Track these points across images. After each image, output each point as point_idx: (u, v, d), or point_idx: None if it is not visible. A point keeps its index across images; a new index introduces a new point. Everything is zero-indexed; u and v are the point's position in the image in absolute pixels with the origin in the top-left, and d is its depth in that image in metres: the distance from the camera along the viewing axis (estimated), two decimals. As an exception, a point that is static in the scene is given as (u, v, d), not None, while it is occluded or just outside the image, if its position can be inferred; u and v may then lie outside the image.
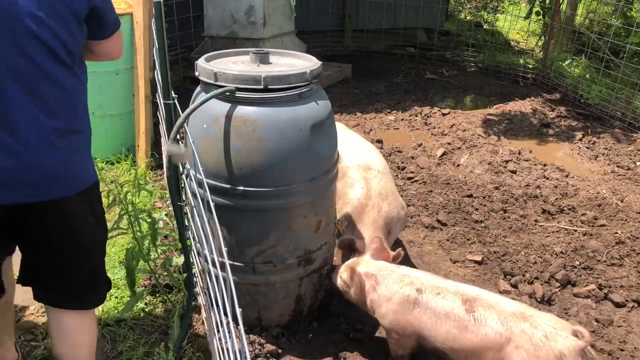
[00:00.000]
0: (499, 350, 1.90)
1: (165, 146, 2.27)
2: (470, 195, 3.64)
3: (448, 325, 2.00)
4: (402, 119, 5.06)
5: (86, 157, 1.65)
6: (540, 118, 5.17)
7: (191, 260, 2.41)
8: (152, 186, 3.49)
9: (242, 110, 2.00)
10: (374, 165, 2.79)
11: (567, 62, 6.21)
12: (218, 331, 1.60)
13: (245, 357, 1.14)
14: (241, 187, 2.05)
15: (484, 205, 3.54)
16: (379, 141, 4.44)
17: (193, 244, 2.28)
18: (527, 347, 1.84)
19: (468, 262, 3.02)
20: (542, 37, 6.96)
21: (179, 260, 2.52)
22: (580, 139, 4.72)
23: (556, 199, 3.62)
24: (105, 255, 1.84)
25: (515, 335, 1.87)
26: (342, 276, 2.33)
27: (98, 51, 1.72)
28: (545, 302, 2.72)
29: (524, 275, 2.86)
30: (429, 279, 2.15)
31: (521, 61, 6.78)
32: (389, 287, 2.15)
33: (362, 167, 2.74)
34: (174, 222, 2.68)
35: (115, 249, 2.89)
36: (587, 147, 4.60)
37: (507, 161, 4.18)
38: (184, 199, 2.29)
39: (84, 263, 1.71)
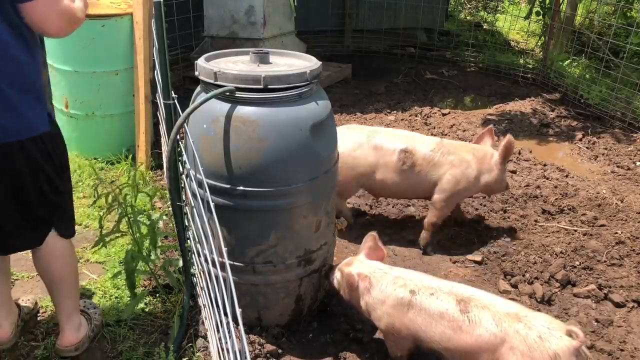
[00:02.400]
0: (493, 352, 1.89)
1: (165, 146, 2.27)
2: (471, 196, 3.64)
3: (442, 326, 1.99)
4: (402, 119, 5.06)
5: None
6: (540, 118, 5.17)
7: (191, 261, 2.41)
8: (152, 186, 3.49)
9: (242, 110, 2.00)
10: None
11: (567, 62, 6.21)
12: (218, 331, 1.60)
13: (245, 357, 1.14)
14: (241, 187, 2.05)
15: (484, 205, 3.54)
16: None
17: (193, 244, 2.28)
18: (522, 348, 1.83)
19: (468, 262, 3.02)
20: (542, 37, 6.96)
21: (178, 261, 2.52)
22: (580, 139, 4.72)
23: (556, 199, 3.62)
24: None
25: (509, 336, 1.86)
26: (336, 277, 2.33)
27: (30, 20, 1.64)
28: (545, 302, 2.72)
29: (524, 276, 2.86)
30: (422, 280, 2.13)
31: (521, 61, 6.78)
32: (383, 290, 2.13)
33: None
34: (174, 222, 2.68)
35: (115, 250, 2.89)
36: (587, 147, 4.60)
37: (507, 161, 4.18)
38: (184, 199, 2.29)
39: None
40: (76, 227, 3.09)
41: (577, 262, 2.96)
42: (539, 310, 2.65)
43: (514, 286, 2.82)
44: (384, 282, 2.15)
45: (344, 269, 2.25)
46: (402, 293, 2.08)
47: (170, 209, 3.01)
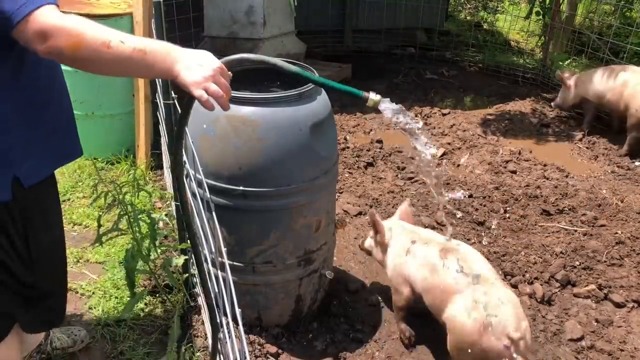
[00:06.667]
0: (449, 300, 2.05)
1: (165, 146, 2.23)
2: (471, 196, 3.64)
3: (424, 270, 2.20)
4: (402, 119, 5.05)
5: None
6: (540, 118, 5.17)
7: (191, 261, 2.41)
8: (152, 186, 3.49)
9: (242, 110, 2.00)
10: None
11: (567, 62, 6.20)
12: (218, 331, 1.60)
13: (245, 357, 1.14)
14: (241, 187, 2.05)
15: (484, 206, 3.54)
16: (379, 141, 4.43)
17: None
18: (467, 304, 1.97)
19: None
20: (542, 37, 6.96)
21: (178, 260, 2.52)
22: (580, 139, 4.71)
23: (556, 199, 3.62)
24: None
25: (466, 291, 2.00)
26: (369, 235, 2.58)
27: (23, 43, 1.35)
28: (545, 302, 2.71)
29: (524, 276, 2.86)
30: (427, 234, 2.42)
31: (521, 61, 6.77)
32: (396, 241, 2.41)
33: None
34: (174, 222, 2.68)
35: (115, 249, 2.89)
36: (587, 147, 4.60)
37: (507, 161, 4.18)
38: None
39: None
40: (76, 227, 3.11)
41: (577, 262, 2.96)
42: (538, 310, 2.66)
43: (514, 286, 2.82)
44: (400, 235, 2.41)
45: (377, 219, 2.46)
46: (406, 243, 2.34)
47: (170, 209, 3.01)
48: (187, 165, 2.04)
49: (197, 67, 1.33)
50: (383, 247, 2.47)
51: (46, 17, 1.31)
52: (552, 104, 5.25)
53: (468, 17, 8.47)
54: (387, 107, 1.60)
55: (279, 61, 1.51)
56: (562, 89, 4.96)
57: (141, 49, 1.32)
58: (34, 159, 1.55)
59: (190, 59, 1.34)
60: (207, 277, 1.71)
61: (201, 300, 2.26)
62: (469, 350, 1.93)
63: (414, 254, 2.28)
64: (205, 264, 1.77)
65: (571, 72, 4.95)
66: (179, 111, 2.02)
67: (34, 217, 1.61)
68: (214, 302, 1.74)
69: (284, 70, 1.50)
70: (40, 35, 1.30)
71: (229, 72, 1.40)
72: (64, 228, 1.88)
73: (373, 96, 1.62)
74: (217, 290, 1.48)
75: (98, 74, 1.42)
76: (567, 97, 4.92)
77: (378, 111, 1.62)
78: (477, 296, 1.96)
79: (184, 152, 2.07)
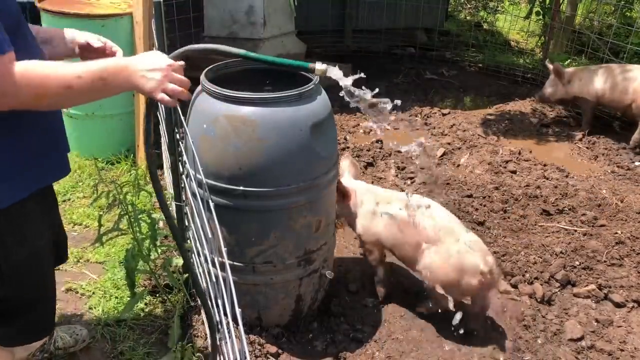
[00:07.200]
0: (423, 250, 2.34)
1: (165, 146, 2.23)
2: (470, 196, 3.64)
3: (393, 228, 2.43)
4: (402, 119, 5.06)
5: None
6: (540, 118, 5.17)
7: (191, 261, 2.41)
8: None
9: (242, 110, 2.00)
10: None
11: (567, 62, 6.20)
12: (218, 331, 1.60)
13: (245, 357, 1.14)
14: (241, 187, 2.05)
15: (484, 206, 3.54)
16: (379, 141, 4.43)
17: (193, 244, 2.28)
18: (442, 252, 2.30)
19: (468, 262, 3.02)
20: (542, 37, 6.96)
21: (179, 260, 2.52)
22: (580, 139, 4.71)
23: (556, 199, 3.62)
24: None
25: (439, 241, 2.31)
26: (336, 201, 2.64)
27: None
28: (545, 302, 2.72)
29: (524, 276, 2.86)
30: (386, 193, 2.61)
31: (521, 61, 6.77)
32: (362, 202, 2.56)
33: None
34: (174, 222, 2.68)
35: (115, 249, 2.89)
36: (587, 147, 4.60)
37: (507, 161, 4.18)
38: (183, 199, 2.29)
39: None
40: (76, 227, 3.12)
41: (577, 262, 2.96)
42: (538, 310, 2.66)
43: (514, 286, 2.82)
44: (364, 196, 2.56)
45: (344, 186, 2.56)
46: (371, 205, 2.52)
47: (170, 209, 3.01)
48: (187, 165, 2.04)
49: (149, 73, 1.41)
50: (352, 211, 2.59)
51: (4, 71, 1.24)
52: (536, 95, 5.15)
53: (468, 17, 8.46)
54: (336, 74, 1.69)
55: (222, 47, 1.59)
56: (553, 81, 4.85)
57: (100, 77, 1.36)
58: (7, 183, 1.49)
59: (142, 66, 1.41)
60: (200, 279, 1.71)
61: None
62: (454, 293, 2.33)
63: (380, 214, 2.48)
64: (205, 264, 1.77)
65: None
66: (179, 111, 2.02)
67: (5, 236, 1.54)
68: (208, 303, 1.75)
69: (229, 53, 1.57)
70: None
71: (181, 63, 1.49)
72: (64, 228, 1.88)
73: (319, 66, 1.70)
74: (217, 290, 1.48)
75: (64, 108, 1.43)
76: (557, 90, 4.84)
77: (378, 111, 1.64)
78: (449, 246, 2.29)
79: (184, 152, 2.08)
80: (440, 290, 2.33)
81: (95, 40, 1.77)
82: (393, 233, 2.44)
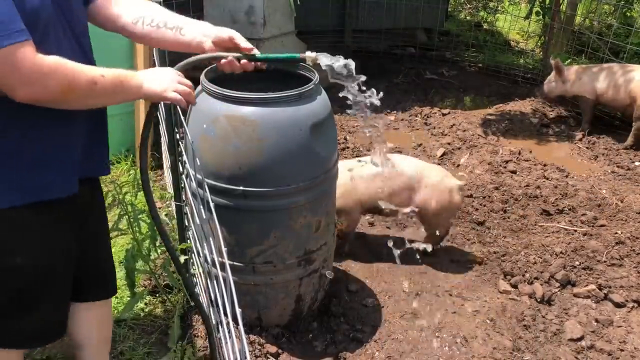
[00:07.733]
0: (414, 189, 2.80)
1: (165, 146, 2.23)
2: (470, 196, 3.64)
3: (377, 183, 2.77)
4: (402, 119, 5.06)
5: None
6: (540, 118, 5.17)
7: (191, 261, 2.41)
8: (152, 186, 3.49)
9: (242, 110, 2.00)
10: None
11: (567, 62, 6.20)
12: (218, 331, 1.60)
13: (246, 357, 1.14)
14: (241, 187, 2.05)
15: (484, 206, 3.54)
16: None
17: (193, 244, 2.28)
18: (431, 184, 2.81)
19: (468, 262, 3.02)
20: (542, 37, 6.96)
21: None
22: (580, 139, 4.71)
23: (556, 199, 3.62)
24: None
25: (423, 177, 2.82)
26: None
27: None
28: (545, 302, 2.71)
29: (524, 276, 2.86)
30: (351, 161, 2.93)
31: (521, 61, 6.77)
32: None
33: None
34: (174, 222, 2.68)
35: (115, 249, 2.89)
36: (587, 147, 4.60)
37: (507, 161, 4.18)
38: (183, 199, 2.29)
39: None
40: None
41: (577, 262, 2.96)
42: (538, 310, 2.66)
43: (514, 286, 2.82)
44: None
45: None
46: (345, 173, 2.72)
47: (170, 209, 3.01)
48: (187, 165, 2.04)
49: (159, 79, 1.52)
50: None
51: (27, 59, 1.23)
52: (537, 91, 5.18)
53: (468, 17, 8.46)
54: (325, 61, 1.71)
55: (212, 54, 1.70)
56: (554, 78, 4.85)
57: (119, 79, 1.45)
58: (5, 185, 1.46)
59: (151, 75, 1.53)
60: (198, 279, 1.71)
61: (201, 300, 2.26)
62: (447, 213, 2.89)
63: (359, 177, 2.79)
64: (205, 264, 1.77)
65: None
66: (179, 111, 2.02)
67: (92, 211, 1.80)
68: (203, 305, 1.75)
69: (220, 58, 1.69)
70: (19, 79, 1.23)
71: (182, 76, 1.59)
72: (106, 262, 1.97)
73: (310, 54, 1.72)
74: (217, 290, 1.48)
75: (76, 109, 1.47)
76: (557, 87, 4.85)
77: (378, 111, 1.66)
78: (439, 178, 2.84)
79: (184, 152, 2.08)
80: (431, 221, 2.86)
81: (244, 41, 1.74)
82: (379, 187, 2.77)
